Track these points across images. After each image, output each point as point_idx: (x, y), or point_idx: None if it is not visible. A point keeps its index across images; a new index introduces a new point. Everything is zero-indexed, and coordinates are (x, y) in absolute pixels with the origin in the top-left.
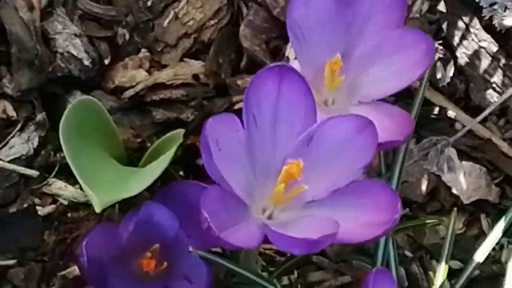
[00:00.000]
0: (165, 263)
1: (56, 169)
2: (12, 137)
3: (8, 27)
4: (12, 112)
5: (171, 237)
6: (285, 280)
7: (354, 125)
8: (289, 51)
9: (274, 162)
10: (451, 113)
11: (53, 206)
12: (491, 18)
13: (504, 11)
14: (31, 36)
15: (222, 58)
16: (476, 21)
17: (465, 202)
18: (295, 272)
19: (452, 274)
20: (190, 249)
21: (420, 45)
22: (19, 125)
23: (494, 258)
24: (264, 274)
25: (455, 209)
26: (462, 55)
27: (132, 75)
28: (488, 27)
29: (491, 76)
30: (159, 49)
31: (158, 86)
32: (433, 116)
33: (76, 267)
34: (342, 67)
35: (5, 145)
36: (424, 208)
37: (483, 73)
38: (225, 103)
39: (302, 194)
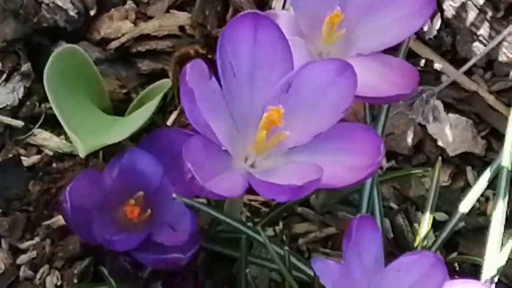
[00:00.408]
0: (149, 211)
1: (41, 119)
2: None
3: None
4: None
5: (155, 185)
6: (270, 231)
7: (333, 68)
8: (276, 3)
9: (254, 110)
10: (437, 66)
11: (38, 156)
12: None
13: None
14: None
15: (208, 10)
16: None
17: (451, 154)
18: (280, 223)
19: (438, 226)
20: (174, 196)
21: None
22: (4, 76)
23: (479, 210)
24: (249, 224)
25: (440, 159)
26: (449, 8)
27: (118, 26)
28: None
29: (478, 28)
30: (145, 1)
31: (143, 37)
32: (419, 68)
33: (60, 217)
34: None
35: None
36: (410, 160)
37: (470, 25)
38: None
39: (284, 140)
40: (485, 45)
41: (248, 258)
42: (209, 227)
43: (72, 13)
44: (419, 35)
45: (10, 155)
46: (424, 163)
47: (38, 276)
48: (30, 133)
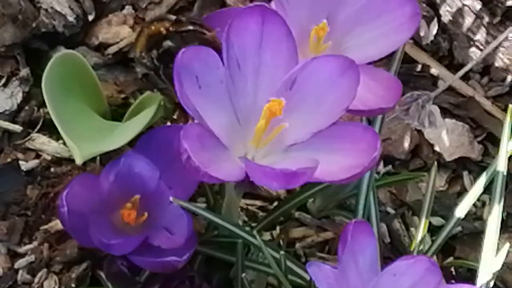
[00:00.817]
0: (146, 214)
1: (40, 124)
2: None
3: None
4: None
5: (151, 188)
6: (267, 236)
7: (338, 65)
8: None
9: (256, 105)
10: (434, 71)
11: (36, 161)
12: None
13: None
14: None
15: (206, 15)
16: None
17: (448, 159)
18: (277, 228)
19: (435, 231)
20: (171, 199)
21: (404, 8)
22: (2, 80)
23: (476, 215)
24: (246, 228)
25: (435, 163)
26: (446, 13)
27: (116, 31)
28: None
29: (475, 34)
30: (143, 6)
31: None
32: (415, 73)
33: (58, 221)
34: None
35: None
36: (407, 165)
37: (467, 31)
38: None
39: (284, 137)
40: (481, 50)
41: (244, 262)
42: (206, 232)
43: (70, 18)
44: (416, 40)
45: (9, 160)
46: (421, 168)
47: (36, 280)
48: (29, 137)
